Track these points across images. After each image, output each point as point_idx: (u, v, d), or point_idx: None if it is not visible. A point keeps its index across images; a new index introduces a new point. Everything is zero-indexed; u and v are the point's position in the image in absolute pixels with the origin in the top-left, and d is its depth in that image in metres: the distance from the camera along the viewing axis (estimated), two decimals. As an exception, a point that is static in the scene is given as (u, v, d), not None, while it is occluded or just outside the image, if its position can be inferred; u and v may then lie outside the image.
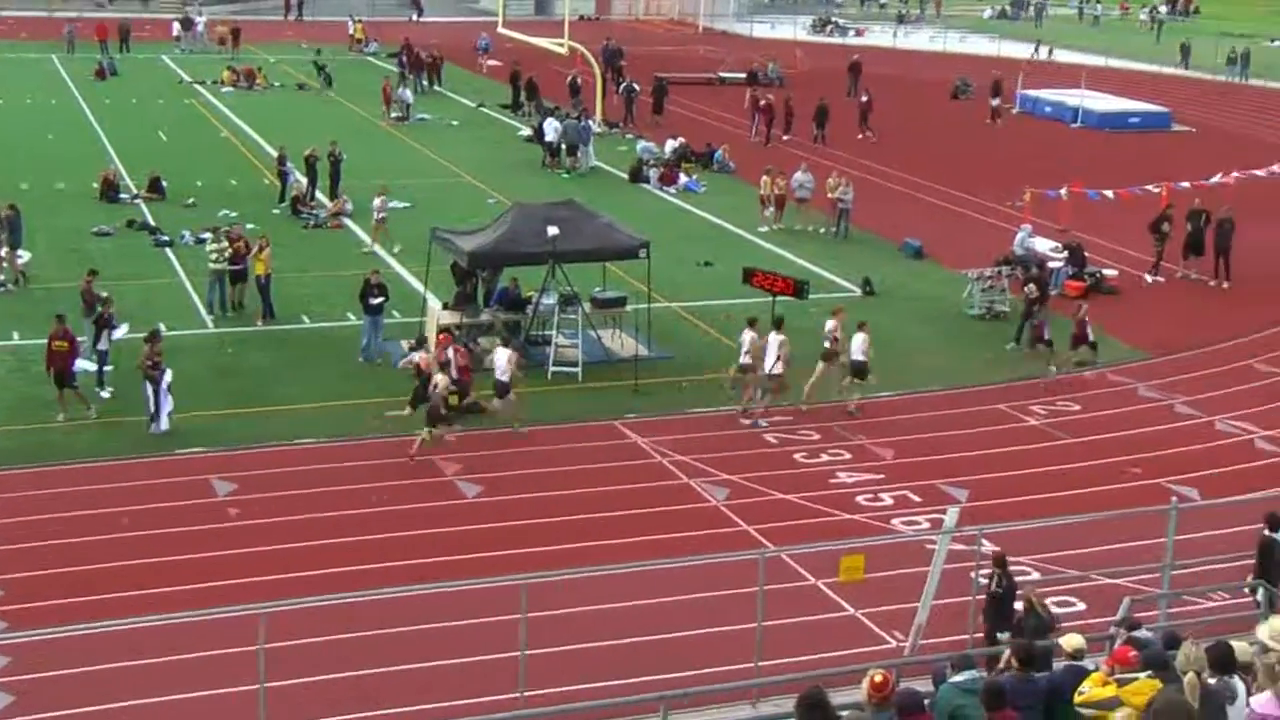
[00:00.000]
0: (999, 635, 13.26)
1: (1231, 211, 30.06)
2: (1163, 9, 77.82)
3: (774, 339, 21.27)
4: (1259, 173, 35.73)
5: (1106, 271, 29.60)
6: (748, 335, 21.40)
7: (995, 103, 49.47)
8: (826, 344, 21.99)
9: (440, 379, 19.78)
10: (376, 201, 29.83)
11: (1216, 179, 34.49)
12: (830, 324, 22.14)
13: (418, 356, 20.55)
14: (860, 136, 44.38)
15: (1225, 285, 29.24)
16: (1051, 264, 29.01)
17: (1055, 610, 13.86)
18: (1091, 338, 24.00)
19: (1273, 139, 45.11)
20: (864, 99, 45.93)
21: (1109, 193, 33.02)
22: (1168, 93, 54.83)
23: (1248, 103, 53.61)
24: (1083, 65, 58.26)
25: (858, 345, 21.69)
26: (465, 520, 17.58)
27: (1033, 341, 24.23)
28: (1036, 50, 64.34)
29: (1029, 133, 47.28)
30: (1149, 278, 29.00)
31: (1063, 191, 33.02)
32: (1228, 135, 46.85)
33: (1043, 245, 30.14)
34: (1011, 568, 13.98)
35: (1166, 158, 41.42)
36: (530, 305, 24.04)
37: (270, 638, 11.98)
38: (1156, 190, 33.05)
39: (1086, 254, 29.66)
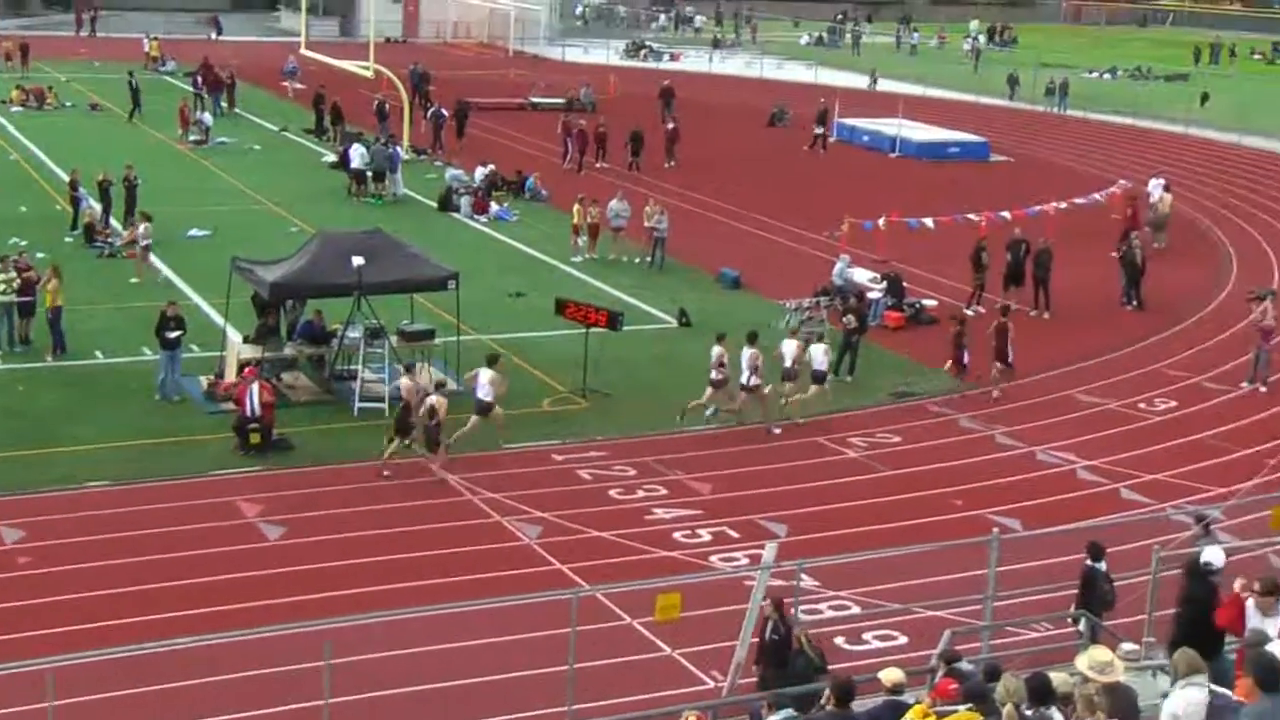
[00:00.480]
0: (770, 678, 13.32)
1: (1050, 242, 31.23)
2: (981, 39, 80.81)
3: (747, 352, 22.43)
4: (1079, 200, 37.23)
5: (926, 302, 30.36)
6: (716, 350, 22.67)
7: (820, 131, 50.70)
8: (714, 373, 22.69)
9: (436, 401, 20.44)
10: (141, 229, 29.46)
11: (1037, 209, 35.93)
12: (719, 351, 22.78)
13: (402, 383, 20.87)
14: (667, 165, 44.81)
15: (1045, 315, 30.28)
16: (870, 295, 29.72)
17: (877, 644, 14.08)
18: (1009, 357, 24.97)
19: (1090, 169, 47.07)
20: (669, 126, 46.43)
21: (928, 222, 34.02)
22: (987, 123, 56.86)
23: (1066, 133, 55.85)
24: (900, 94, 60.18)
25: (819, 356, 23.37)
26: (267, 564, 17.22)
27: (957, 364, 25.22)
28: (874, 80, 66.12)
29: (847, 162, 48.44)
30: (969, 309, 29.91)
31: (881, 221, 33.89)
32: (1045, 165, 48.67)
33: (861, 276, 30.82)
34: (829, 603, 14.13)
35: (985, 187, 42.83)
36: (335, 339, 23.78)
37: (62, 693, 11.69)
38: (977, 219, 34.25)
39: (906, 284, 30.44)
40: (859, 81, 67.41)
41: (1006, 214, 34.63)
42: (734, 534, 18.78)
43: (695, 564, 17.78)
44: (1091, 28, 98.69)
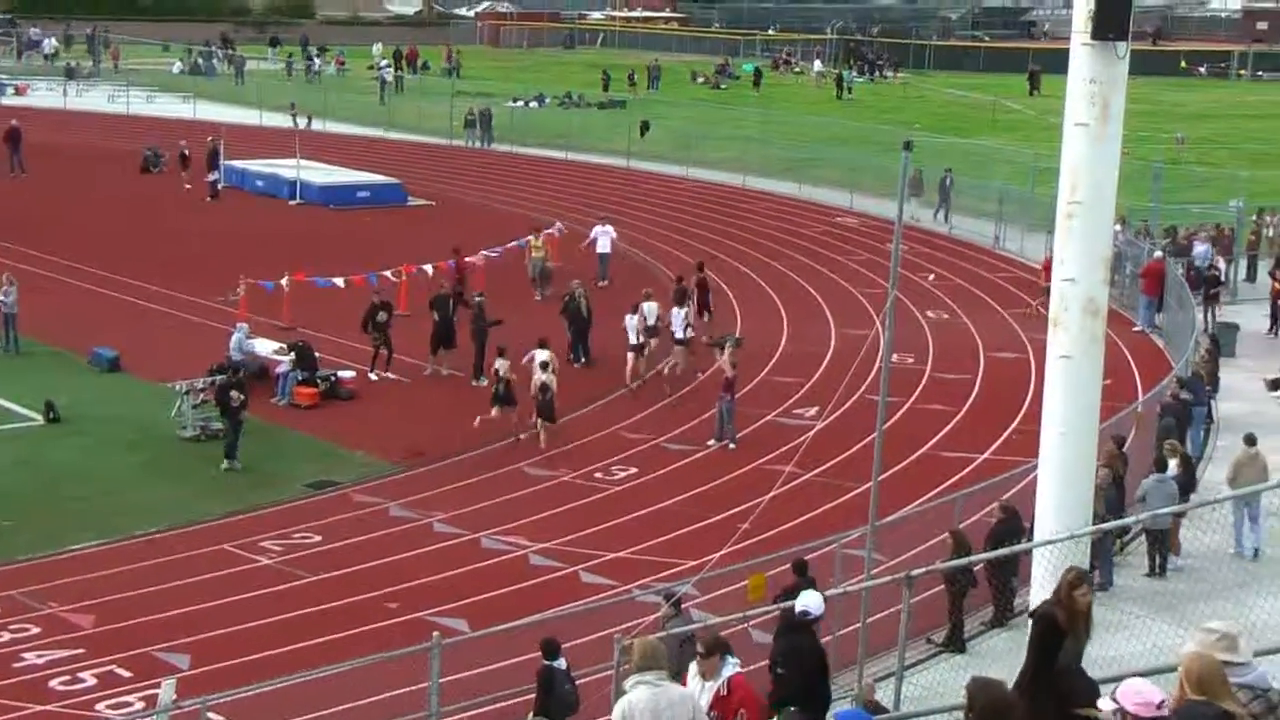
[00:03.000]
0: None
1: (483, 296, 32.40)
2: (387, 64, 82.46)
3: (678, 312, 31.03)
4: (515, 244, 38.77)
5: (343, 373, 30.69)
6: (648, 306, 31.56)
7: (214, 177, 50.22)
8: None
9: (547, 378, 27.54)
10: None
11: (479, 256, 37.25)
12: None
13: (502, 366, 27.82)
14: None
15: (480, 381, 31.27)
16: (279, 369, 29.72)
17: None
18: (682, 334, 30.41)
19: (523, 210, 49.14)
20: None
21: (339, 280, 34.49)
22: (401, 161, 58.36)
23: (493, 171, 58.10)
24: (294, 131, 60.54)
25: (679, 320, 31.15)
26: None
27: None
28: (297, 116, 66.07)
29: (241, 212, 48.30)
30: (373, 374, 30.60)
31: (284, 281, 34.01)
32: (473, 209, 50.47)
33: (264, 347, 30.84)
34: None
35: (403, 237, 43.84)
36: None
37: None
38: (395, 277, 35.01)
39: (318, 354, 30.65)
40: (247, 116, 67.58)
41: (428, 267, 35.72)
42: (125, 673, 18.26)
43: (77, 716, 17.05)
44: (514, 51, 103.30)
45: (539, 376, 27.70)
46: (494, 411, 27.63)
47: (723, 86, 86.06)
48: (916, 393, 30.80)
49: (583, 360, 32.72)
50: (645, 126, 64.15)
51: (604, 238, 39.93)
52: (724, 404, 28.13)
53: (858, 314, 36.88)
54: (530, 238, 38.71)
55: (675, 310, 31.99)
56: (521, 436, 27.65)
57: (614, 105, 75.31)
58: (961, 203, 48.46)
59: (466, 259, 36.83)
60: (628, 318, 31.34)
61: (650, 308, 32.00)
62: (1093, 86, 14.46)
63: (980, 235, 46.58)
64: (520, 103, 72.19)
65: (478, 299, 32.27)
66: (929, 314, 37.25)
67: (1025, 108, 75.41)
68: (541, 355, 28.23)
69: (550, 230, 40.41)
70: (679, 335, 31.59)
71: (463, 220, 47.64)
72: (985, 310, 38.07)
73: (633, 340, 31.25)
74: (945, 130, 65.60)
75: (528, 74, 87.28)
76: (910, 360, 32.83)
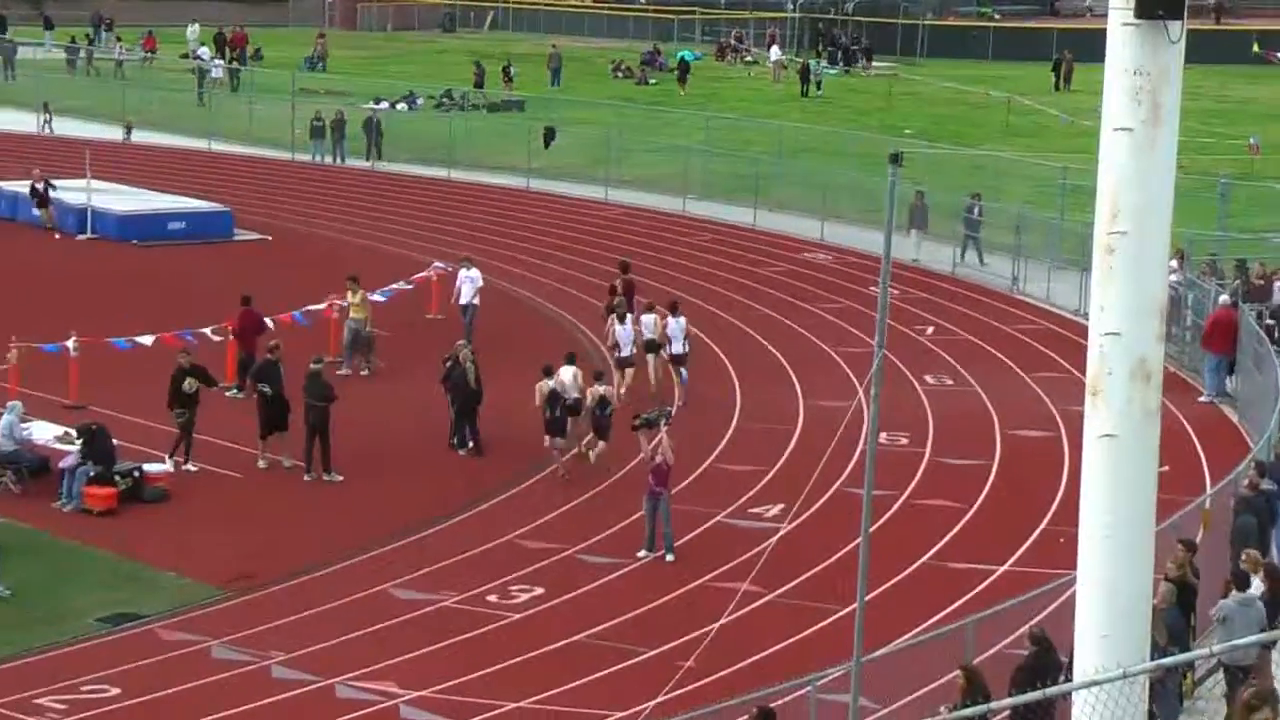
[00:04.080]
0: None
1: (322, 361, 32.23)
2: (206, 52, 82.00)
3: (676, 322, 36.00)
4: (377, 297, 38.57)
5: (149, 467, 30.35)
6: (650, 319, 36.20)
7: (40, 214, 50.32)
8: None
9: (606, 390, 31.95)
10: None
11: (323, 304, 37.28)
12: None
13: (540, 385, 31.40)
14: None
15: (332, 476, 31.10)
16: (64, 462, 29.41)
17: None
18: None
19: (393, 247, 48.88)
20: None
21: (145, 339, 34.21)
22: (228, 181, 58.38)
23: (345, 193, 58.05)
24: (87, 139, 60.17)
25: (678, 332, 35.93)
26: None
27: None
28: (51, 121, 65.69)
29: (10, 250, 47.94)
30: (170, 462, 30.43)
31: (71, 344, 33.71)
32: (323, 244, 50.34)
33: (44, 432, 30.57)
34: None
35: (232, 281, 43.44)
36: None
37: None
38: (220, 336, 34.78)
39: (116, 442, 30.28)
40: (19, 121, 67.36)
41: (268, 321, 35.63)
42: None
43: None
44: (375, 36, 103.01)
45: (598, 389, 31.64)
46: (558, 441, 31.39)
47: (652, 82, 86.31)
48: (913, 484, 30.89)
49: (469, 445, 32.64)
50: (550, 135, 64.20)
51: (468, 285, 39.65)
52: (657, 502, 28.05)
53: (834, 379, 37.07)
54: (348, 294, 37.54)
55: (643, 318, 36.57)
56: (584, 450, 31.69)
57: (510, 107, 75.42)
58: (957, 231, 48.82)
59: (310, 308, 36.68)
60: (618, 328, 35.89)
61: (649, 320, 36.45)
62: (1138, 79, 14.56)
63: (993, 275, 46.95)
64: (384, 104, 71.97)
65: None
66: (928, 379, 37.46)
67: (1050, 106, 76.25)
68: (565, 374, 32.19)
69: (430, 273, 40.36)
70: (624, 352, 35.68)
71: (307, 259, 47.46)
72: (1002, 374, 38.34)
73: (625, 353, 35.75)
74: (944, 136, 66.26)
75: (394, 66, 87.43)
76: (904, 441, 32.96)
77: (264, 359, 32.60)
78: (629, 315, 36.53)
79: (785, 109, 76.03)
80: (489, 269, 42.31)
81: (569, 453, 31.75)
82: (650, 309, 36.92)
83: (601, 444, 31.58)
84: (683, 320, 36.55)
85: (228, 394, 34.01)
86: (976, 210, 48.42)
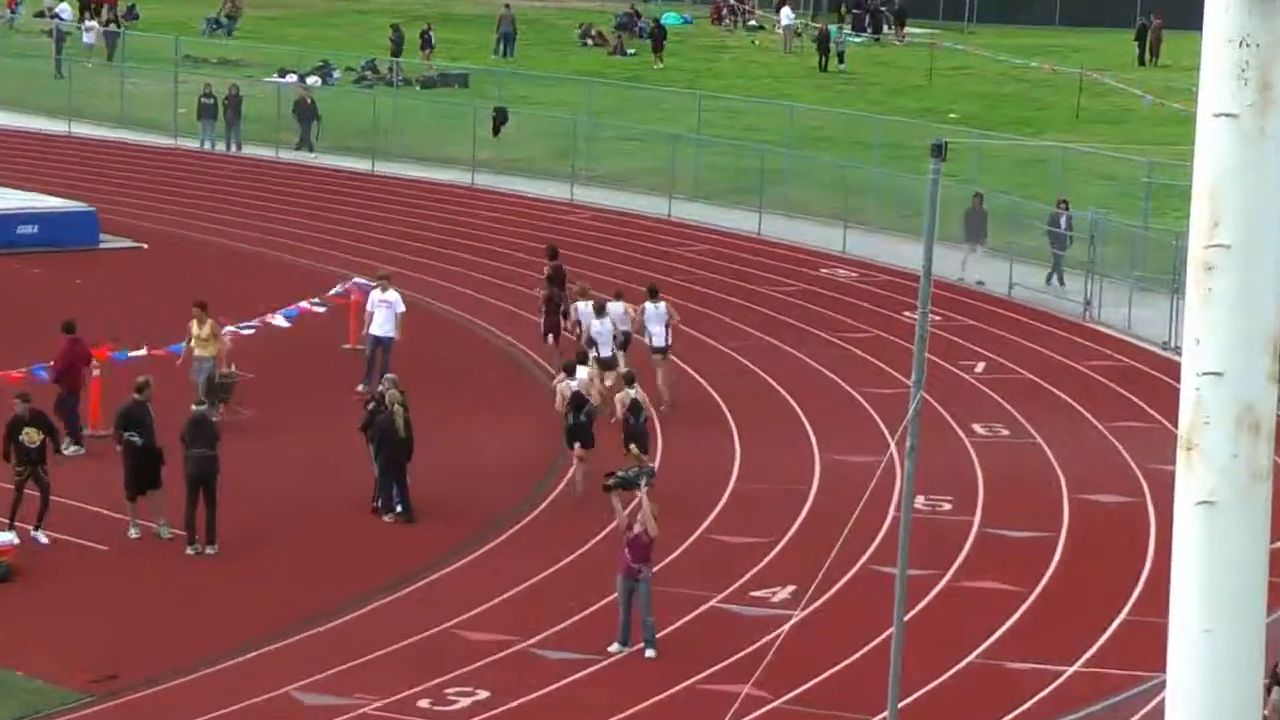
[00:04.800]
0: None
1: (205, 404, 32.21)
2: (65, 10, 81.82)
3: (654, 307, 38.00)
4: (279, 320, 38.54)
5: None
6: (618, 307, 37.77)
7: None
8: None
9: (639, 395, 33.82)
10: None
11: (230, 329, 37.33)
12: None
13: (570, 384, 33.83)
14: None
15: (209, 549, 30.96)
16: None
17: None
18: None
19: (280, 254, 48.86)
20: None
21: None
22: (93, 175, 58.47)
23: (240, 189, 58.18)
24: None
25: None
26: None
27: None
28: None
29: None
30: (39, 536, 30.37)
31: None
32: (204, 252, 50.40)
33: None
34: None
35: (96, 299, 43.39)
36: None
37: None
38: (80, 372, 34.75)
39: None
40: None
41: (139, 352, 35.82)
42: None
43: None
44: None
45: (629, 393, 33.71)
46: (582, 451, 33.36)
47: (631, 52, 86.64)
48: (959, 560, 30.89)
49: (397, 509, 32.55)
50: (501, 118, 64.07)
51: (383, 313, 39.28)
52: (635, 583, 27.95)
53: (858, 428, 37.14)
54: (193, 324, 36.98)
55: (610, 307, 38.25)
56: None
57: (449, 82, 75.36)
58: (1018, 241, 48.85)
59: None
60: (590, 321, 37.75)
61: (617, 309, 38.01)
62: (1244, 52, 14.52)
63: (1060, 297, 46.96)
64: (292, 79, 71.99)
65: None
66: (978, 428, 37.55)
67: (1132, 85, 76.47)
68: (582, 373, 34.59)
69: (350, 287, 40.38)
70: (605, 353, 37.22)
71: (191, 272, 47.24)
72: (1071, 422, 38.37)
73: (605, 352, 37.20)
74: (998, 123, 66.40)
75: (303, 31, 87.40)
76: (947, 506, 33.04)
77: (130, 400, 32.42)
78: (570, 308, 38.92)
79: (798, 87, 76.27)
80: (422, 288, 42.35)
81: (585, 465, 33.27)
82: (619, 297, 39.19)
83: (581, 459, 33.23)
84: (663, 305, 38.26)
85: (66, 451, 33.65)
86: (1064, 222, 48.26)
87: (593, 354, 37.06)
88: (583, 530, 31.44)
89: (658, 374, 37.77)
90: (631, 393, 33.74)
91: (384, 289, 39.70)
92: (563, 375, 34.20)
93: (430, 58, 79.15)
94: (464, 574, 30.56)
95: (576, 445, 33.39)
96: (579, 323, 38.86)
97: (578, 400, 33.29)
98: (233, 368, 37.49)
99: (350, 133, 63.54)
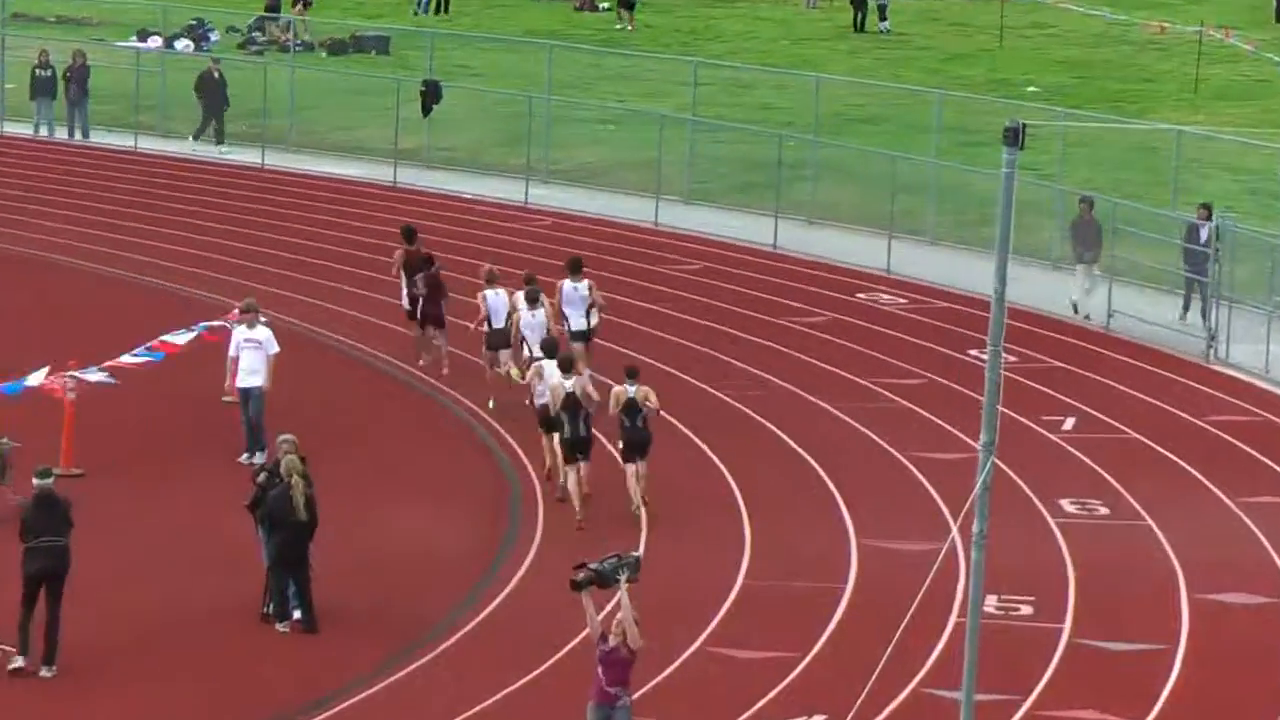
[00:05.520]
0: None
1: (51, 475, 32.19)
2: None
3: (574, 286, 40.80)
4: (132, 359, 38.66)
5: None
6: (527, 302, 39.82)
7: None
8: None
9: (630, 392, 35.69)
10: None
11: (57, 380, 37.21)
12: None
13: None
14: None
15: (48, 671, 30.91)
16: None
17: None
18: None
19: (130, 275, 49.00)
20: None
21: None
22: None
23: (88, 188, 58.54)
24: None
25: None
26: None
27: None
28: None
29: None
30: None
31: None
32: (38, 271, 50.77)
33: None
34: None
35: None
36: None
37: None
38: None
39: None
40: None
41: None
42: None
43: None
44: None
45: (625, 389, 35.66)
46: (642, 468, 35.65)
47: (603, 6, 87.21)
48: (1044, 681, 30.81)
49: (293, 615, 32.49)
50: (432, 95, 64.21)
51: (250, 355, 39.10)
52: (610, 712, 27.88)
53: (908, 507, 37.24)
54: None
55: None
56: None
57: (366, 47, 75.68)
58: (1119, 256, 49.01)
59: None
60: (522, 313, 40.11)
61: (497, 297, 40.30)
62: None
63: (1170, 329, 46.98)
64: (154, 43, 72.37)
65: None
66: (1068, 505, 37.53)
67: (1268, 50, 76.77)
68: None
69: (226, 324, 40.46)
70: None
71: (15, 300, 47.57)
72: (1191, 496, 38.43)
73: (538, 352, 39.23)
74: (1090, 99, 66.68)
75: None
76: (1027, 610, 33.02)
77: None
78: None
79: (826, 53, 76.77)
80: (323, 318, 42.17)
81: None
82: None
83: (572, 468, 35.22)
84: (585, 284, 40.85)
85: None
86: (1204, 234, 47.71)
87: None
88: (539, 641, 31.30)
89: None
90: (630, 389, 34.74)
91: (251, 324, 39.32)
92: (626, 379, 35.54)
93: (304, 12, 79.45)
94: (382, 703, 30.44)
95: (579, 459, 35.48)
96: (487, 318, 40.73)
97: (630, 407, 34.48)
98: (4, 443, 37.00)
99: (233, 114, 63.68)
